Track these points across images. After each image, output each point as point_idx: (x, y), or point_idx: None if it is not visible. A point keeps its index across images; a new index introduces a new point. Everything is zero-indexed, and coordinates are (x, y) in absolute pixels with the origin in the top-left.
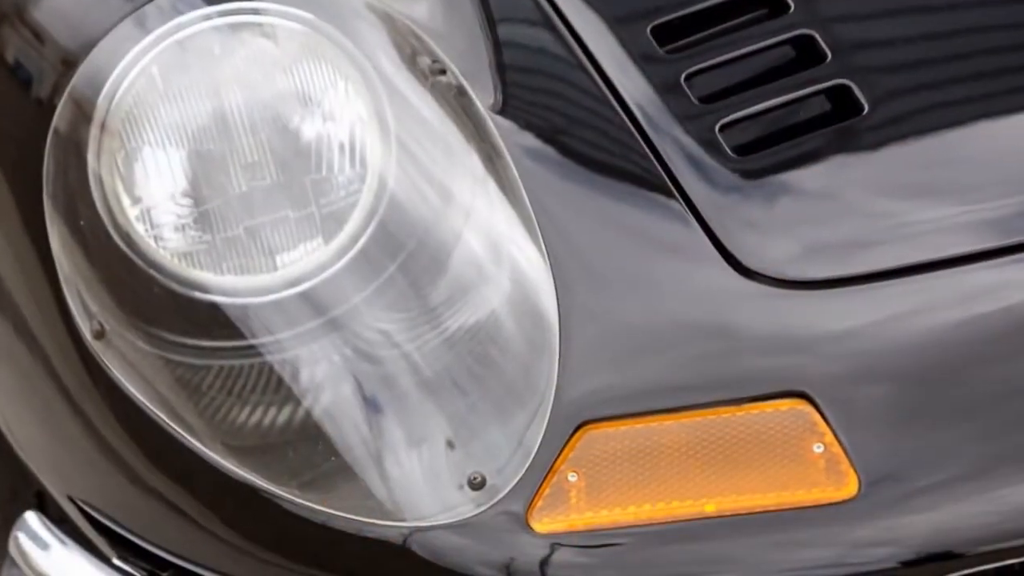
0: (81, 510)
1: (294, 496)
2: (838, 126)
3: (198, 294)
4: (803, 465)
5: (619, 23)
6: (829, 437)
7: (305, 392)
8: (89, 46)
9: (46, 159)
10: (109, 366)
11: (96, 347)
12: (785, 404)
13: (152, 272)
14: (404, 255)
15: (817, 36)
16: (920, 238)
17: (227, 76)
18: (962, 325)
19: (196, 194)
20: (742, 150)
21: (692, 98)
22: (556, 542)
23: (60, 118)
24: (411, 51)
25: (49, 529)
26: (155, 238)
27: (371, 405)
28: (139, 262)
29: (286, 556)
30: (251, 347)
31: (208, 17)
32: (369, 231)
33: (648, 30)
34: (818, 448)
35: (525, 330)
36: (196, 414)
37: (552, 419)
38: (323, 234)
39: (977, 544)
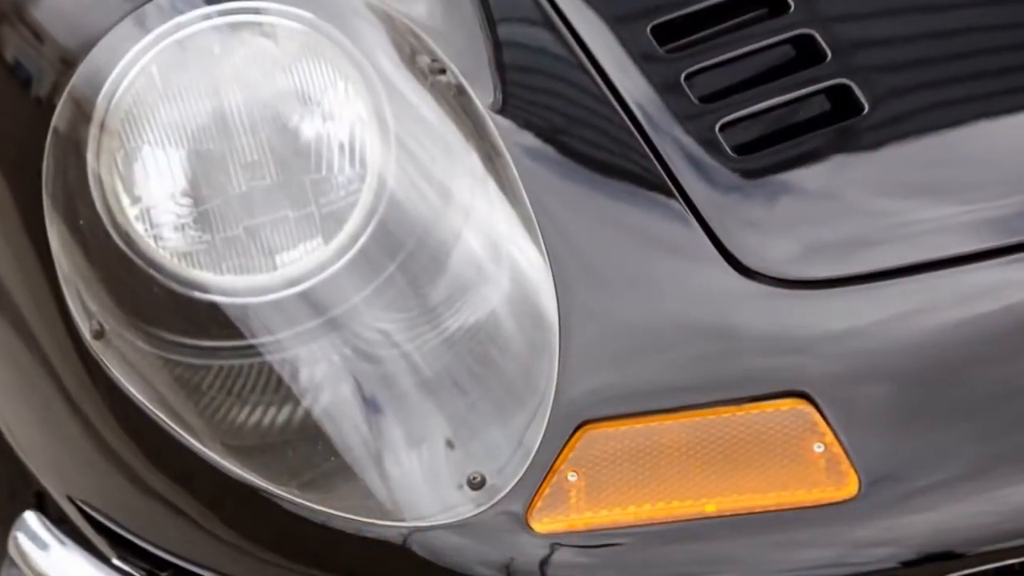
0: (80, 510)
1: (294, 496)
2: (838, 126)
3: (198, 294)
4: (803, 465)
5: (619, 22)
6: (829, 437)
7: (305, 392)
8: (89, 45)
9: (45, 158)
10: (108, 366)
11: (95, 347)
12: (785, 404)
13: (152, 272)
14: (404, 255)
15: (817, 35)
16: (921, 238)
17: (227, 76)
18: (963, 325)
19: (196, 194)
20: (742, 149)
21: (692, 97)
22: (556, 542)
23: (59, 117)
24: (410, 50)
25: (48, 529)
26: (154, 238)
27: (371, 405)
28: (138, 262)
29: (286, 556)
30: (251, 347)
31: (208, 16)
32: (369, 231)
33: (648, 29)
34: (818, 448)
35: (525, 330)
36: (196, 414)
37: (552, 419)
38: (323, 234)
39: (977, 544)
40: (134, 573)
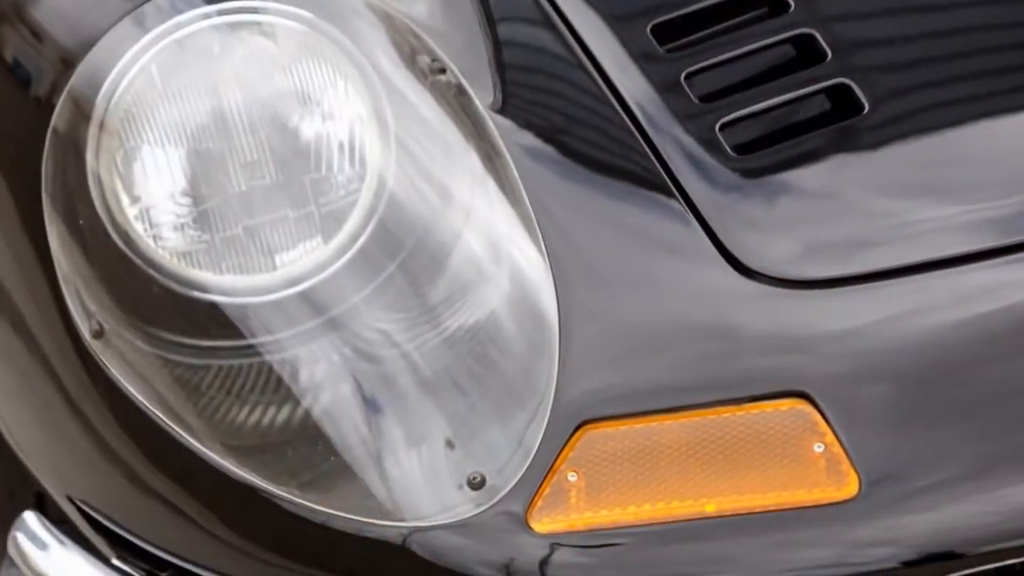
0: (80, 510)
1: (293, 496)
2: (838, 125)
3: (197, 293)
4: (803, 465)
5: (619, 22)
6: (829, 437)
7: (304, 392)
8: (88, 45)
9: (45, 158)
10: (108, 366)
11: (95, 346)
12: (785, 404)
13: (151, 271)
14: (403, 254)
15: (817, 35)
16: (921, 238)
17: (226, 75)
18: (962, 325)
19: (195, 193)
20: (742, 149)
21: (692, 97)
22: (556, 542)
23: (59, 117)
24: (410, 50)
25: (48, 529)
26: (154, 237)
27: (370, 405)
28: (138, 261)
29: (285, 556)
30: (250, 347)
31: (207, 16)
32: (368, 230)
33: (648, 29)
34: (818, 448)
35: (525, 330)
36: (195, 414)
37: (552, 419)
38: (322, 233)
39: (977, 544)
40: (133, 573)
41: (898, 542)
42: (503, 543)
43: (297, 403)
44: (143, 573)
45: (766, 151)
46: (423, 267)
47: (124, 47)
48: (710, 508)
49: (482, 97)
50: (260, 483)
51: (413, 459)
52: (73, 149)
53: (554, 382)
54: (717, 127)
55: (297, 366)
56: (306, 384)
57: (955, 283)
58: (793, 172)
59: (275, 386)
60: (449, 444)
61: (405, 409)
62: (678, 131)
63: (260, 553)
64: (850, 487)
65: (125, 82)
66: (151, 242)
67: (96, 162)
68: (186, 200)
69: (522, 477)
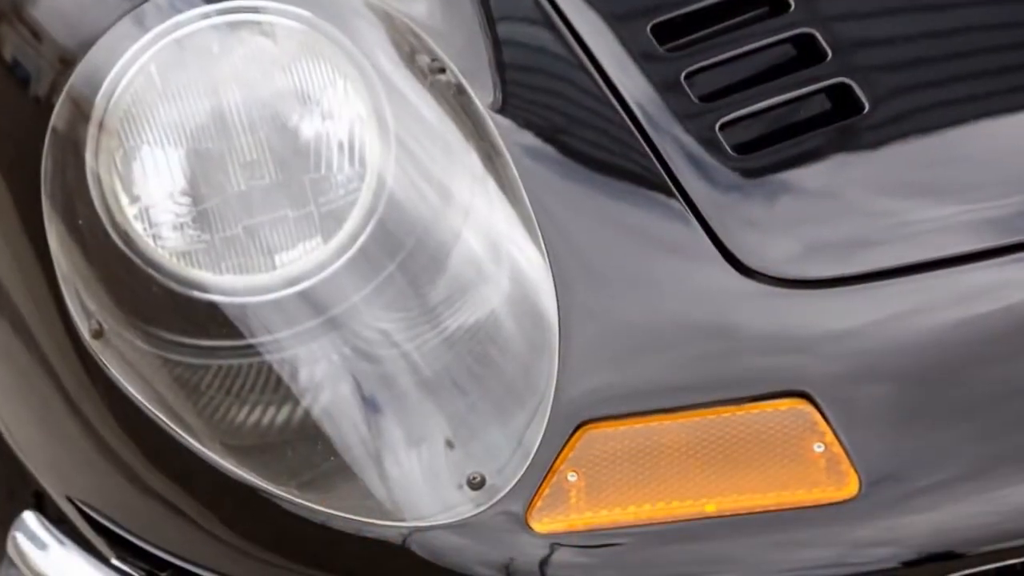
0: (79, 510)
1: (293, 496)
2: (838, 125)
3: (197, 293)
4: (803, 465)
5: (619, 21)
6: (830, 437)
7: (304, 391)
8: (87, 44)
9: (44, 158)
10: (107, 365)
11: (94, 346)
12: (785, 404)
13: (151, 271)
14: (403, 254)
15: (817, 35)
16: (921, 237)
17: (226, 75)
18: (963, 325)
19: (195, 193)
20: (742, 149)
21: (692, 97)
22: (556, 542)
23: (58, 117)
24: (410, 49)
25: (47, 529)
26: (153, 237)
27: (370, 405)
28: (137, 261)
29: (285, 556)
30: (250, 346)
31: (207, 15)
32: (368, 230)
33: (648, 28)
34: (818, 448)
35: (525, 329)
36: (195, 413)
37: (552, 419)
38: (322, 233)
39: (978, 544)
40: (133, 573)
41: (898, 542)
42: (503, 543)
43: (297, 403)
44: (143, 573)
45: (766, 151)
46: (423, 267)
47: (123, 47)
48: (710, 508)
49: (482, 97)
50: (260, 483)
51: (413, 459)
52: (72, 149)
53: (554, 382)
54: (717, 127)
55: (297, 366)
56: (306, 384)
57: (955, 283)
58: (793, 172)
59: (275, 386)
60: (449, 444)
61: (405, 409)
62: (678, 131)
63: (260, 553)
64: (850, 487)
65: (124, 82)
66: (150, 242)
67: (95, 162)
68: (185, 200)
69: (522, 477)
